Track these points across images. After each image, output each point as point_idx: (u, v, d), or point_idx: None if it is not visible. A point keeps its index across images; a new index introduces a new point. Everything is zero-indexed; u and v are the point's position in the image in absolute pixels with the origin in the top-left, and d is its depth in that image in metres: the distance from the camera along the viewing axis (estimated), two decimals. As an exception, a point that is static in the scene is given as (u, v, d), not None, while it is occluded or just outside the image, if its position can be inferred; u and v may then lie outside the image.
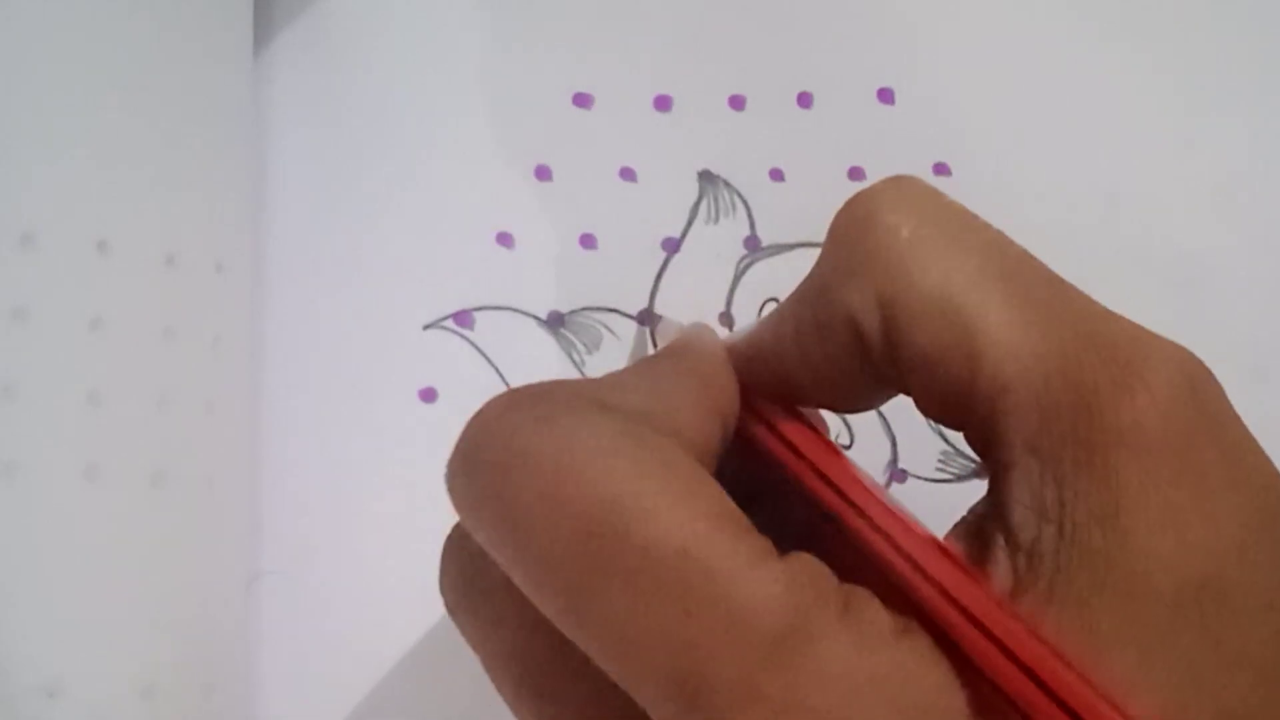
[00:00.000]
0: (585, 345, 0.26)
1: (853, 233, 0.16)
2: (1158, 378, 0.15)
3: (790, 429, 0.17)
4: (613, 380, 0.17)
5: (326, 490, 0.25)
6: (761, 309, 0.26)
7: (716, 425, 0.17)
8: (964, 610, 0.14)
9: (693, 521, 0.14)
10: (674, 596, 0.14)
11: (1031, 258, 0.16)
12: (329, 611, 0.25)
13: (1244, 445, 0.15)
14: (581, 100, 0.26)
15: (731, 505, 0.15)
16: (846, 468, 0.17)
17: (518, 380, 0.26)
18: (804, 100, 0.26)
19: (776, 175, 0.26)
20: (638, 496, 0.14)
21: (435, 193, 0.26)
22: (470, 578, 0.17)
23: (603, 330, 0.26)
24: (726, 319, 0.26)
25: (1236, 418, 0.15)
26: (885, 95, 0.26)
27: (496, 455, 0.15)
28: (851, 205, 0.16)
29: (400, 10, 0.26)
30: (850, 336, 0.16)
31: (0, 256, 0.20)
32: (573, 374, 0.26)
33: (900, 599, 0.15)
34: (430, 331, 0.26)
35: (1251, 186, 0.26)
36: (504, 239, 0.26)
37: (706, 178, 0.26)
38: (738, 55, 0.26)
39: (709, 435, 0.17)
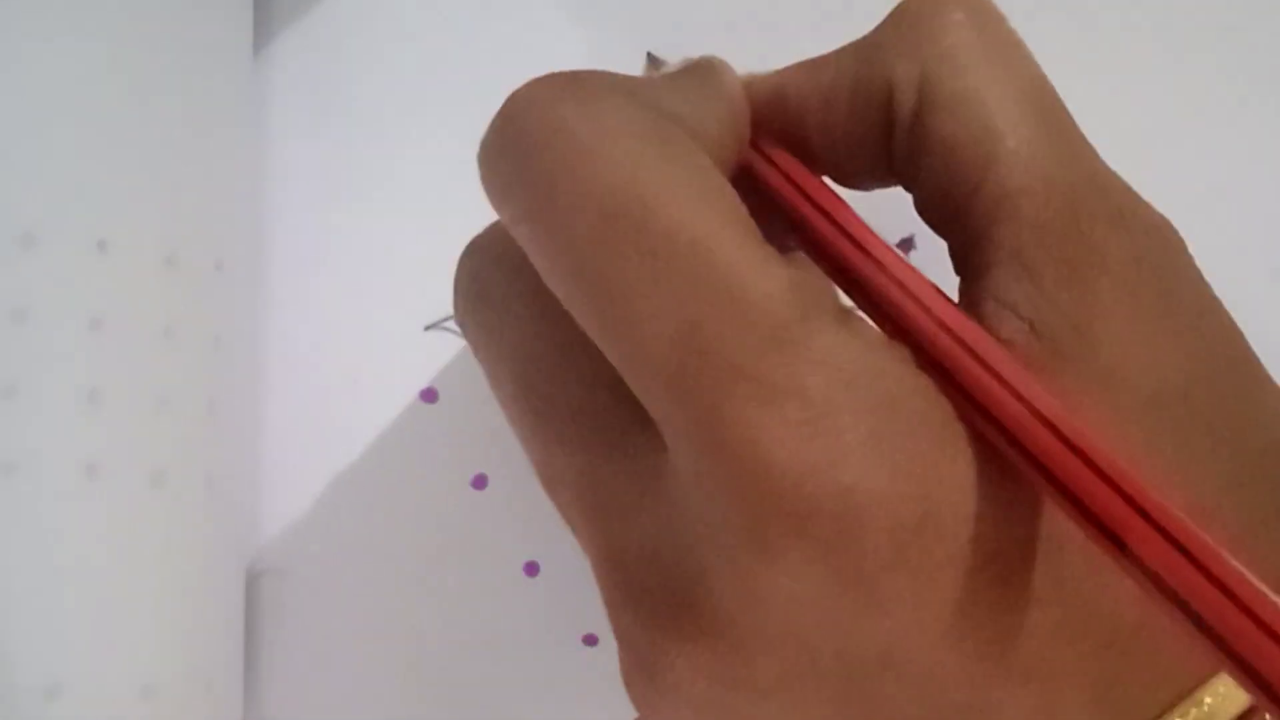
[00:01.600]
0: (586, 346, 0.26)
1: (918, 12, 0.17)
2: (1142, 226, 0.16)
3: (795, 169, 0.18)
4: (646, 81, 0.17)
5: (326, 490, 0.25)
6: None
7: (734, 148, 0.17)
8: (965, 345, 0.15)
9: (709, 217, 0.14)
10: (684, 279, 0.14)
11: (1061, 102, 0.17)
12: (329, 611, 0.25)
13: (1211, 303, 0.17)
14: (583, 101, 0.26)
15: (745, 212, 0.15)
16: (850, 214, 0.17)
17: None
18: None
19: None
20: (661, 185, 0.14)
21: (436, 193, 0.26)
22: (483, 283, 0.18)
23: (603, 331, 0.26)
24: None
25: (1206, 285, 0.17)
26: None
27: (531, 127, 0.15)
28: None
29: (400, 10, 0.26)
30: (882, 101, 0.17)
31: (0, 256, 0.20)
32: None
33: (896, 331, 0.16)
34: (431, 332, 0.26)
35: (1250, 188, 0.26)
36: (505, 240, 0.26)
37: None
38: (737, 57, 0.26)
39: (729, 153, 0.17)
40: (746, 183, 0.18)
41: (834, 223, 0.17)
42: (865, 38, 0.18)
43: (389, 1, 0.26)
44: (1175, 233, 0.17)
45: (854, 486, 0.14)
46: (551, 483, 0.18)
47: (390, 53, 0.26)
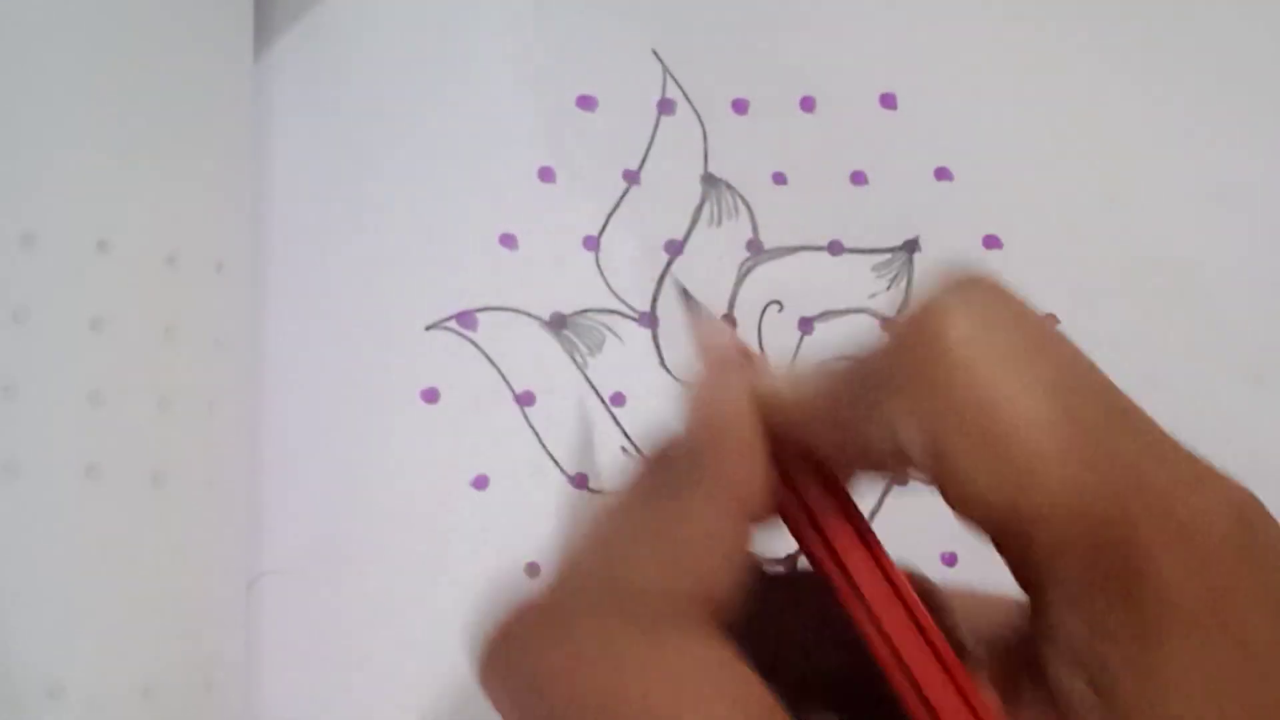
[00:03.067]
0: (587, 346, 0.26)
1: (914, 347, 0.15)
2: (1207, 533, 0.14)
3: (827, 520, 0.17)
4: (628, 541, 0.16)
5: (327, 490, 0.25)
6: (763, 313, 0.26)
7: (748, 530, 0.17)
8: None
9: None
10: None
11: (1097, 377, 0.15)
12: (329, 611, 0.25)
13: None
14: (585, 102, 0.26)
15: (769, 704, 0.14)
16: (875, 580, 0.16)
17: (519, 382, 0.26)
18: (807, 104, 0.26)
19: (779, 179, 0.26)
20: (664, 708, 0.14)
21: (437, 193, 0.26)
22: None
23: (605, 332, 0.26)
24: (729, 320, 0.26)
25: None
26: (888, 100, 0.26)
27: (520, 681, 0.15)
28: (920, 316, 0.15)
29: (400, 11, 0.26)
30: (892, 448, 0.15)
31: (1, 256, 0.20)
32: (575, 375, 0.26)
33: None
34: (433, 332, 0.26)
35: (1250, 190, 0.26)
36: (507, 240, 0.26)
37: (709, 181, 0.26)
38: (741, 59, 0.26)
39: (741, 563, 0.16)
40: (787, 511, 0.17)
41: (862, 602, 0.16)
42: (862, 375, 0.16)
43: (389, 2, 0.26)
44: (1253, 507, 0.15)
45: None
46: None
47: (390, 53, 0.26)
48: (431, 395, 0.26)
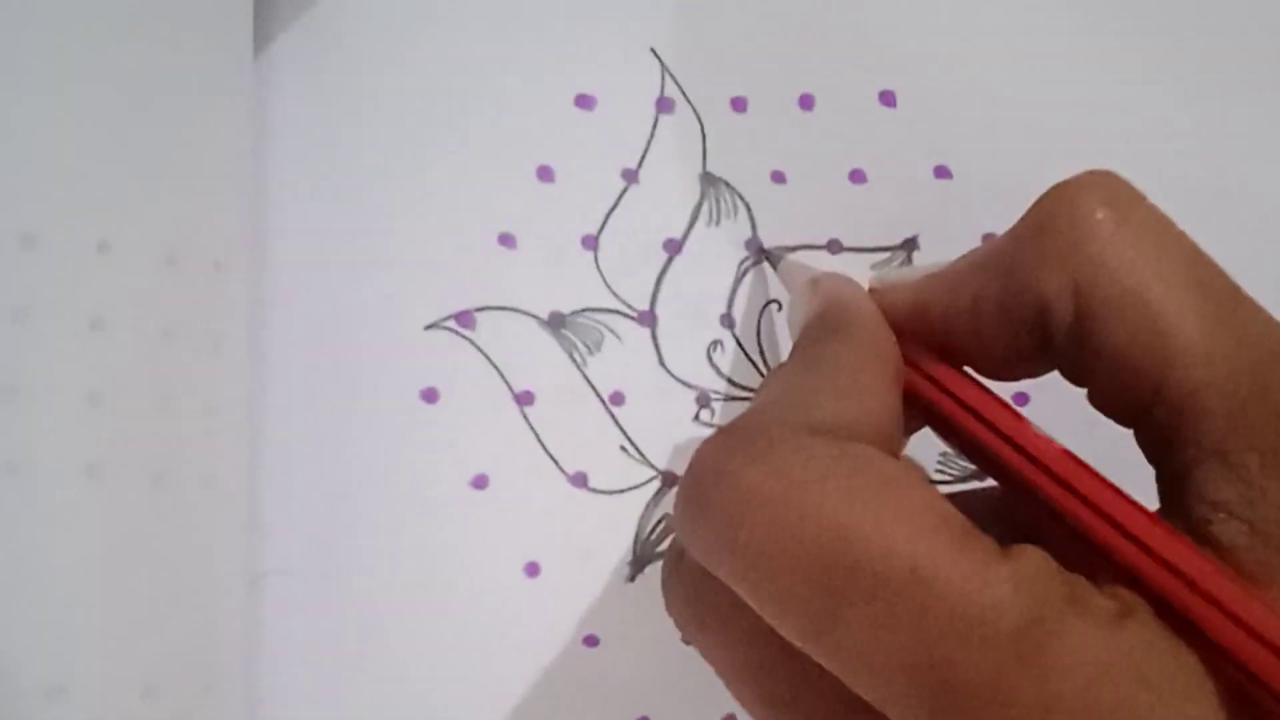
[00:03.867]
0: (587, 346, 0.26)
1: (1056, 218, 0.16)
2: None
3: (956, 384, 0.17)
4: (803, 387, 0.17)
5: (327, 490, 0.25)
6: (762, 312, 0.26)
7: (899, 397, 0.17)
8: (1196, 587, 0.14)
9: (917, 538, 0.14)
10: (912, 616, 0.14)
11: (1222, 270, 0.16)
12: (329, 611, 0.25)
13: None
14: (584, 101, 0.26)
15: (949, 510, 0.15)
16: (1033, 434, 0.17)
17: (519, 381, 0.26)
18: (805, 103, 0.26)
19: (778, 177, 0.26)
20: (862, 523, 0.14)
21: (437, 193, 0.26)
22: (698, 596, 0.17)
23: (604, 331, 0.26)
24: (727, 320, 0.26)
25: None
26: (887, 98, 0.26)
27: (723, 499, 0.15)
28: (1056, 192, 0.16)
29: (401, 10, 0.26)
30: (1036, 320, 0.16)
31: (0, 256, 0.20)
32: (574, 374, 0.26)
33: (1115, 571, 0.15)
34: (432, 332, 0.26)
35: (1250, 190, 0.26)
36: (506, 239, 0.26)
37: (708, 179, 0.26)
38: (740, 58, 0.26)
39: (899, 415, 0.17)
40: (913, 402, 0.18)
41: (1015, 445, 0.16)
42: (1001, 246, 0.17)
43: (389, 1, 0.26)
44: None
45: None
46: None
47: (390, 53, 0.26)
48: (431, 395, 0.26)
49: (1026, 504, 0.17)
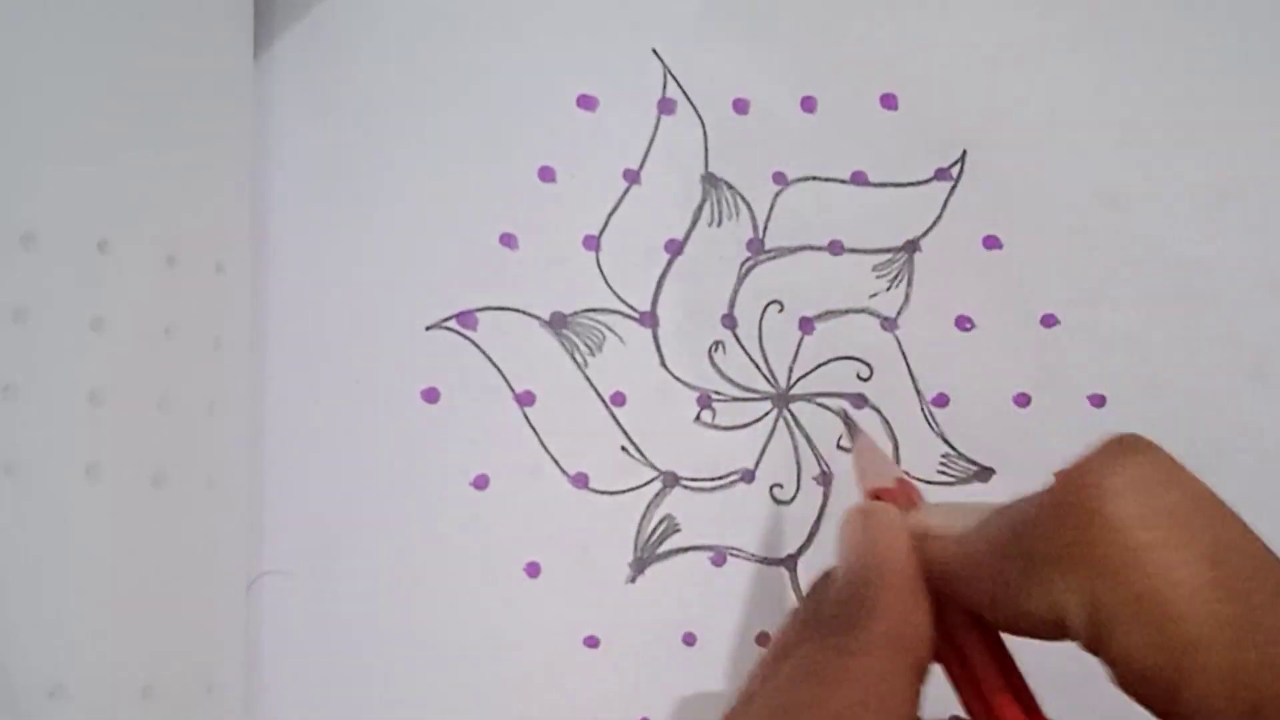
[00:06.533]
0: (588, 346, 0.26)
1: (1076, 518, 0.15)
2: None
3: (986, 675, 0.17)
4: (804, 706, 0.16)
5: (328, 490, 0.25)
6: (763, 311, 0.26)
7: (920, 687, 0.17)
8: None
9: None
10: None
11: (1252, 545, 0.15)
12: (329, 611, 0.25)
13: None
14: (586, 102, 0.26)
15: None
16: None
17: (520, 381, 0.26)
18: (808, 105, 0.26)
19: (779, 179, 0.26)
20: None
21: (438, 193, 0.26)
22: None
23: (605, 331, 0.26)
24: (729, 321, 0.26)
25: None
26: (888, 100, 0.26)
27: None
28: (1081, 484, 0.15)
29: (401, 11, 0.26)
30: (1052, 620, 0.16)
31: (1, 256, 0.20)
32: (575, 375, 0.26)
33: None
34: (433, 332, 0.26)
35: (1250, 190, 0.26)
36: (507, 240, 0.26)
37: (710, 180, 0.26)
38: (741, 60, 0.26)
39: (917, 707, 0.16)
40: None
41: None
42: (1022, 529, 0.16)
43: (389, 1, 0.26)
44: None
45: None
46: None
47: (390, 53, 0.26)
48: (432, 395, 0.26)
49: None
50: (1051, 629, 0.16)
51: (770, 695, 0.17)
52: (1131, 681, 0.15)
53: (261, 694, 0.25)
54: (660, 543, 0.26)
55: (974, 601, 0.17)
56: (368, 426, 0.25)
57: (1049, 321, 0.26)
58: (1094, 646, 0.15)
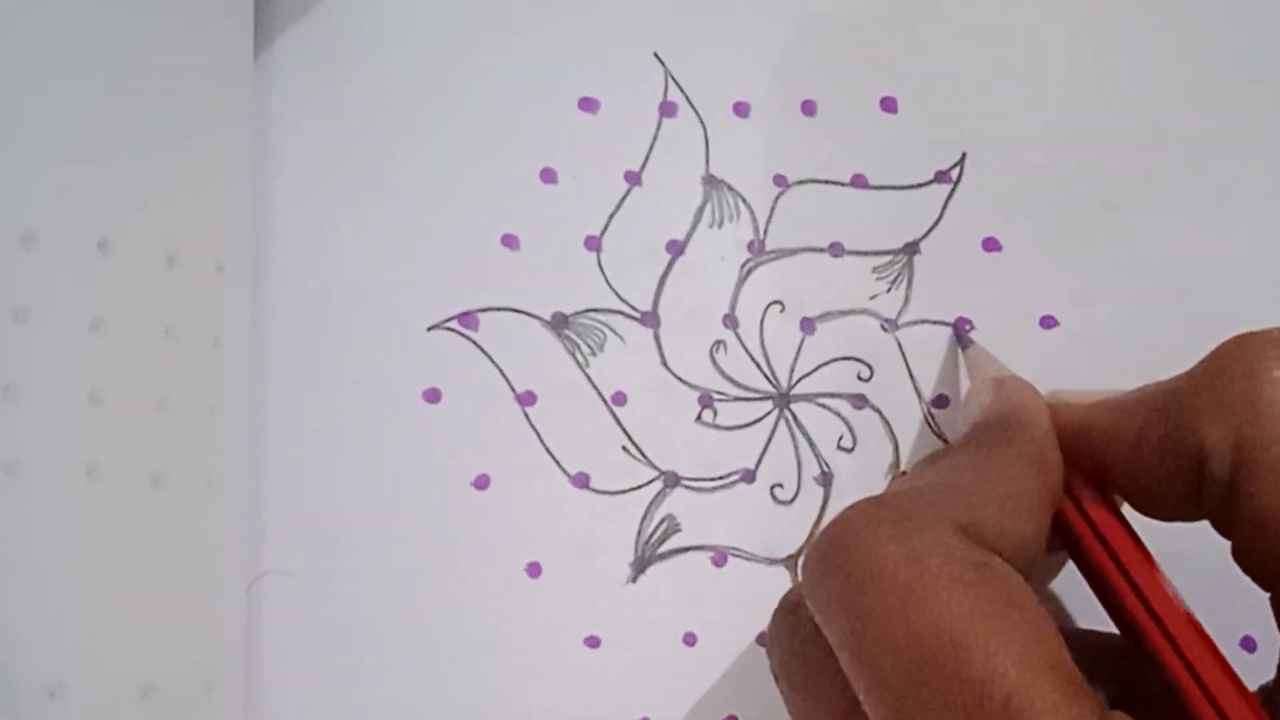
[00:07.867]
0: (589, 346, 0.26)
1: (1232, 367, 0.16)
2: None
3: (1114, 534, 0.17)
4: (968, 488, 0.17)
5: (328, 490, 0.25)
6: (764, 312, 0.26)
7: (1051, 507, 0.17)
8: None
9: (1024, 670, 0.14)
10: None
11: None
12: (329, 611, 0.25)
13: None
14: (587, 104, 0.26)
15: (1062, 653, 0.15)
16: (1156, 583, 0.17)
17: (521, 381, 0.26)
18: (808, 108, 0.26)
19: (780, 181, 0.26)
20: (977, 635, 0.14)
21: (439, 194, 0.26)
22: (799, 650, 0.18)
23: (607, 332, 0.26)
24: (730, 321, 0.26)
25: None
26: (888, 103, 0.26)
27: (853, 565, 0.15)
28: (1238, 341, 0.16)
29: (402, 12, 0.26)
30: (1193, 464, 0.16)
31: (0, 256, 0.20)
32: (576, 375, 0.26)
33: None
34: (434, 332, 0.26)
35: (1252, 188, 0.26)
36: (509, 240, 0.26)
37: (710, 182, 0.26)
38: (742, 62, 0.26)
39: (1045, 540, 0.17)
40: (1057, 522, 0.18)
41: (1144, 599, 0.17)
42: (1174, 385, 0.17)
43: (390, 2, 0.26)
44: None
45: None
46: None
47: (391, 54, 0.26)
48: (433, 395, 0.26)
49: (1140, 656, 0.17)
50: (1187, 478, 0.16)
51: (916, 478, 0.18)
52: (1256, 537, 0.16)
53: (261, 694, 0.25)
54: (661, 543, 0.26)
55: (1106, 459, 0.18)
56: (368, 427, 0.25)
57: (1049, 322, 0.26)
58: (1228, 493, 0.16)
